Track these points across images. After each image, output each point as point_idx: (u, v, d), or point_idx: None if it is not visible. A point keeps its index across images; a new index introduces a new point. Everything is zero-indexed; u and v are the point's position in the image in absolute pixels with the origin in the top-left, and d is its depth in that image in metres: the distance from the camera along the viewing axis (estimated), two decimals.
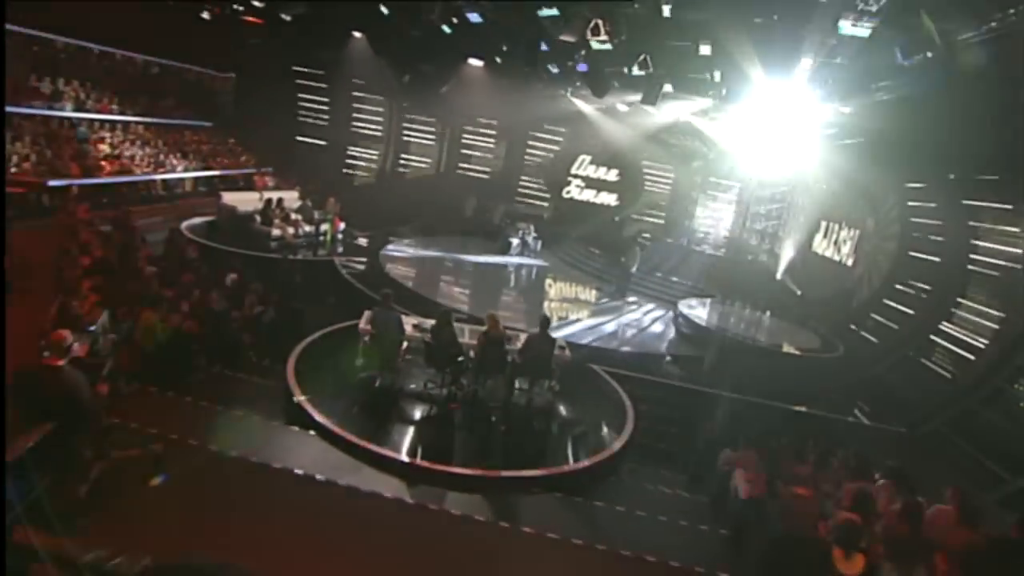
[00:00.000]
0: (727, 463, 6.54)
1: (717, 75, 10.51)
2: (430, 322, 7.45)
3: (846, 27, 7.44)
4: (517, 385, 7.39)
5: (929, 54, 7.01)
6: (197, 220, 13.05)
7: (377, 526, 4.71)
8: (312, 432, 5.94)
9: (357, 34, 16.10)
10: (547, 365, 7.25)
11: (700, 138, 16.47)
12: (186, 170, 16.27)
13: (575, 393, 7.85)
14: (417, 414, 6.75)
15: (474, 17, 11.22)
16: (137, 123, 15.75)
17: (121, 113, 15.22)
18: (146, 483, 4.31)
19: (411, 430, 6.42)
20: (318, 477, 5.06)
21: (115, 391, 4.71)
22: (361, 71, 18.04)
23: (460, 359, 6.95)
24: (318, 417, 6.04)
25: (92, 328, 4.97)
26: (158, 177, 15.28)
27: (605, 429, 7.23)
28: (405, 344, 7.24)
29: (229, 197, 13.56)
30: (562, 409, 7.49)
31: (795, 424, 8.63)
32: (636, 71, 10.14)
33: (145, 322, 6.29)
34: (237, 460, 5.04)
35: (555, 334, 7.90)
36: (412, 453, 5.85)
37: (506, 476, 5.73)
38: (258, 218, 12.80)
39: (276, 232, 12.68)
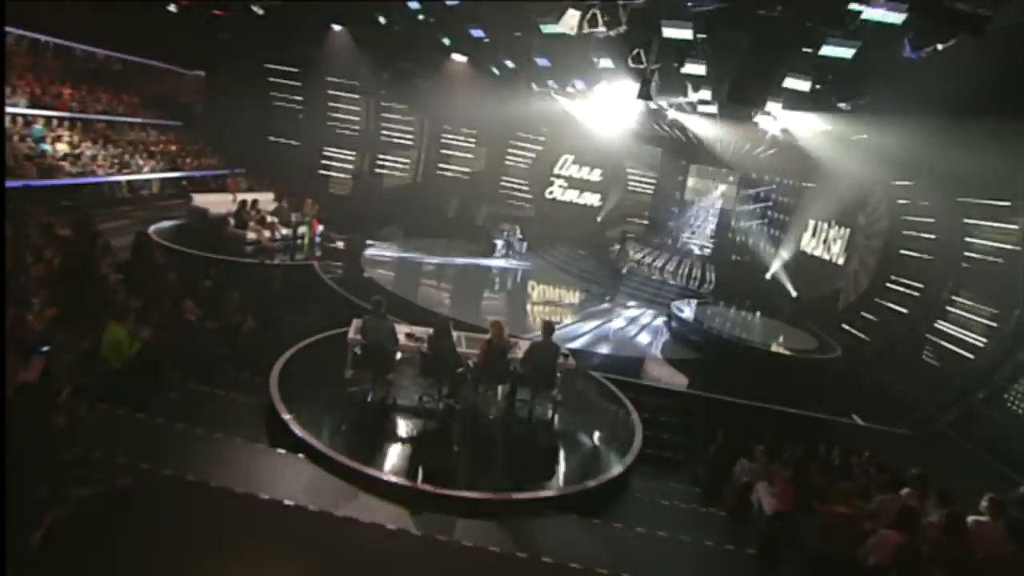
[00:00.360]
0: (746, 474, 6.20)
1: (712, 71, 10.22)
2: (422, 330, 6.97)
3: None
4: (518, 396, 6.94)
5: (939, 47, 6.78)
6: (166, 224, 12.25)
7: (382, 562, 4.21)
8: (300, 455, 5.40)
9: (336, 27, 15.41)
10: (551, 374, 6.81)
11: (689, 135, 16.26)
12: (152, 171, 15.39)
13: (578, 402, 7.44)
14: (414, 431, 6.24)
15: (477, 32, 10.88)
16: (98, 121, 14.83)
17: (81, 111, 14.29)
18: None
19: (408, 449, 5.90)
20: (311, 508, 4.52)
21: (74, 420, 4.10)
22: (338, 68, 17.37)
23: (460, 370, 6.46)
24: (307, 438, 5.50)
25: (44, 348, 4.33)
26: (122, 178, 14.39)
27: (613, 441, 6.84)
28: (399, 355, 6.74)
29: (200, 199, 12.80)
30: (567, 421, 7.05)
31: (796, 427, 8.39)
32: (630, 65, 9.78)
33: (111, 336, 5.65)
34: (218, 491, 4.46)
35: None
36: (412, 475, 5.34)
37: (517, 499, 5.27)
38: (232, 221, 12.07)
39: (251, 235, 11.98)
